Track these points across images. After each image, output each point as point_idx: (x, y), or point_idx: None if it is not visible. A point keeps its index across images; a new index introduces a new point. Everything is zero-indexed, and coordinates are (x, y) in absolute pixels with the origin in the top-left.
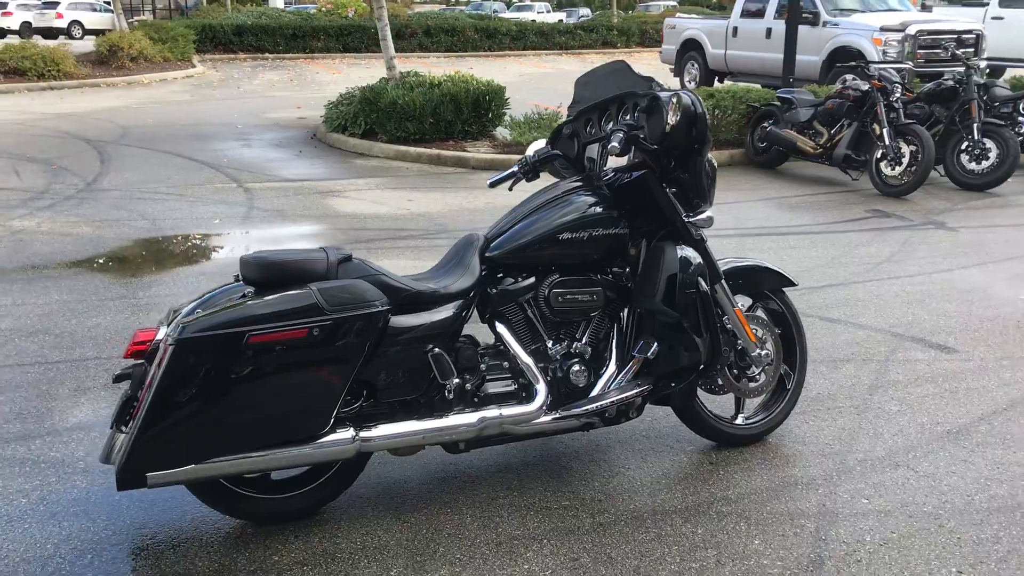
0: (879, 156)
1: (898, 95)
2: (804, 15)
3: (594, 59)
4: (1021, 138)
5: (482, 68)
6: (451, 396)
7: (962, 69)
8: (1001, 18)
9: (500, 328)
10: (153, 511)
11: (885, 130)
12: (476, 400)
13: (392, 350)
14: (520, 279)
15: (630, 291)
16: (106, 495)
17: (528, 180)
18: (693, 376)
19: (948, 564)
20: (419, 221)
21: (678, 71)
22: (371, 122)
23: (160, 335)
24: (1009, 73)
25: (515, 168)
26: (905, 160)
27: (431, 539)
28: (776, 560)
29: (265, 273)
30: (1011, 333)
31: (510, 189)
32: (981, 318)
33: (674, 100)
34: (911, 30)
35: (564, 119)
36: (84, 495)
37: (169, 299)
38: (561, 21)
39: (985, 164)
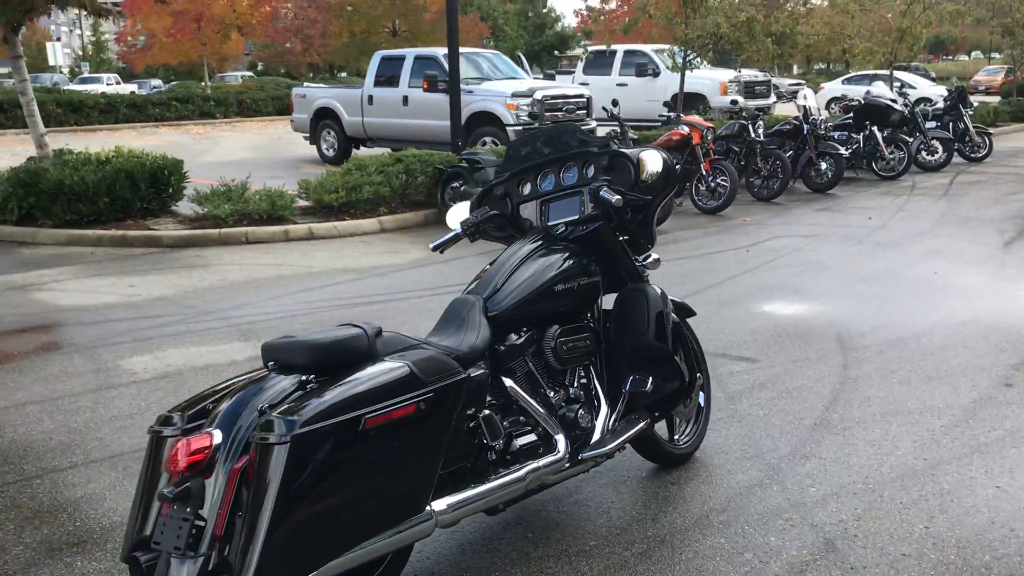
0: None
1: None
2: (439, 84)
3: (198, 131)
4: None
5: (78, 144)
6: (494, 457)
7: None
8: (587, 84)
9: (509, 383)
10: None
11: None
12: (508, 458)
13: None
14: (523, 334)
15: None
16: None
17: (472, 240)
18: (678, 402)
19: (916, 520)
20: (167, 307)
21: (314, 139)
22: (28, 206)
23: (216, 440)
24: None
25: (459, 230)
26: None
27: None
28: (797, 549)
29: (317, 356)
30: (787, 340)
31: (441, 251)
32: (753, 330)
33: (647, 154)
34: (538, 95)
35: (493, 181)
36: None
37: None
38: (133, 93)
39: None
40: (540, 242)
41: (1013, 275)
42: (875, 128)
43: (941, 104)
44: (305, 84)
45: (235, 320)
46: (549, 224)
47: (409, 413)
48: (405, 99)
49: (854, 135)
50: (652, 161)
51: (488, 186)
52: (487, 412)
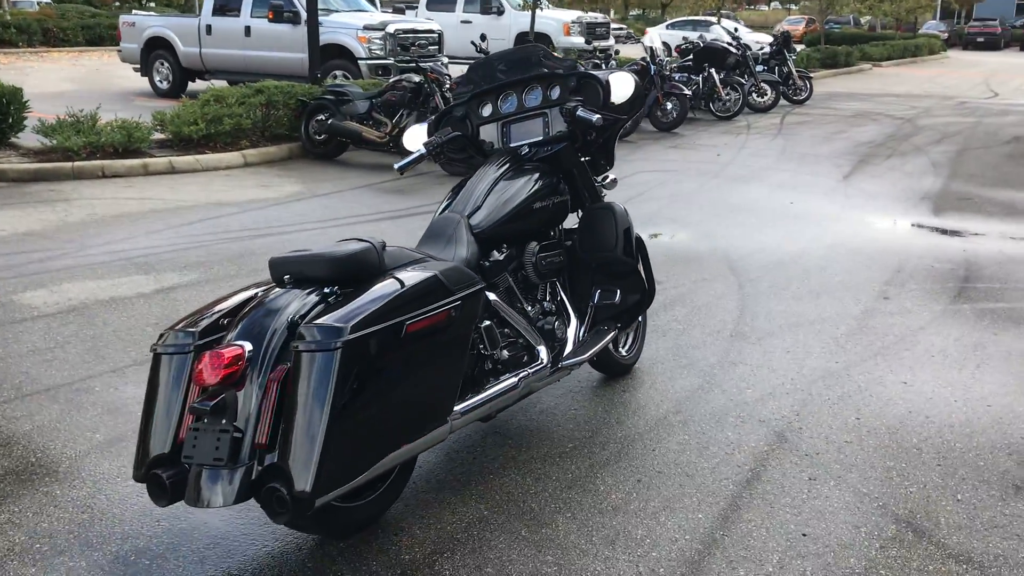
0: None
1: (448, 86)
2: (285, 14)
3: (1, 60)
4: None
5: None
6: (489, 367)
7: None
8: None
9: (493, 297)
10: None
11: None
12: (500, 367)
13: None
14: (503, 250)
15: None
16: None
17: (435, 161)
18: (640, 313)
19: (847, 412)
20: (41, 242)
21: (145, 71)
22: None
23: (247, 350)
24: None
25: (422, 151)
26: None
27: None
28: (755, 442)
29: (335, 269)
30: (682, 263)
31: (403, 173)
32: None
33: (618, 76)
34: (390, 29)
35: (453, 103)
36: None
37: None
38: None
39: None
40: (510, 163)
41: (859, 204)
42: (713, 70)
43: (767, 49)
44: (134, 12)
45: (124, 254)
46: (512, 145)
47: (442, 320)
48: (247, 29)
49: (693, 77)
50: (624, 83)
51: (446, 108)
52: (488, 322)
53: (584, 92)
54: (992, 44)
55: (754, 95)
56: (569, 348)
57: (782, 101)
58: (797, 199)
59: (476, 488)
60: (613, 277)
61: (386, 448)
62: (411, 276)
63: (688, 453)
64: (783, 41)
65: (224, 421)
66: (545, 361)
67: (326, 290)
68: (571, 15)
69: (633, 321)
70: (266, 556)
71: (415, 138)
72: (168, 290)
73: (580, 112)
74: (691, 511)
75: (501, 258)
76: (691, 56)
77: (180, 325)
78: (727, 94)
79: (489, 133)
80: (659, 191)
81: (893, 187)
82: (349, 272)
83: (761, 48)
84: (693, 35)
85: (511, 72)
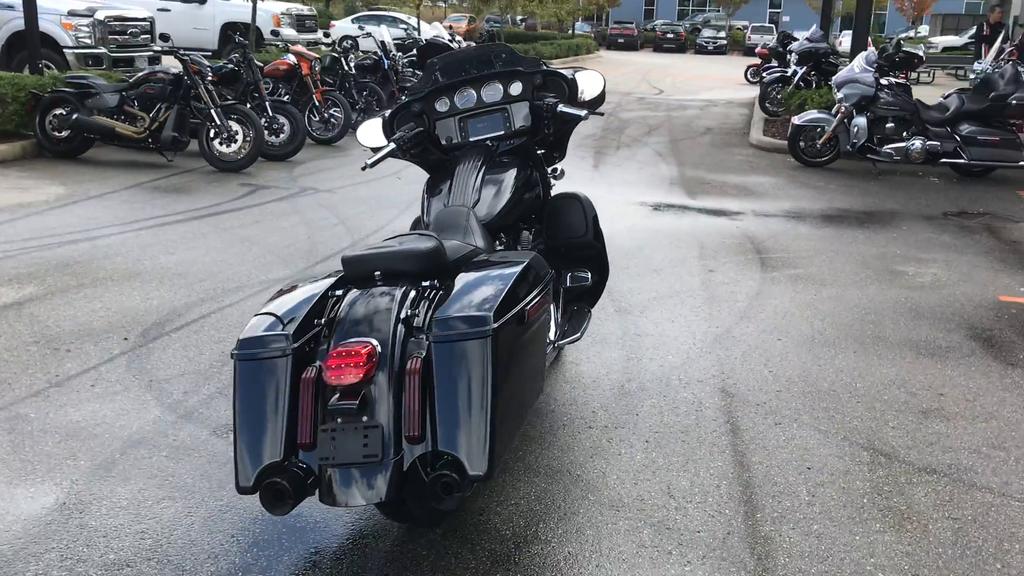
0: (212, 136)
1: (209, 77)
2: None
3: None
4: None
5: None
6: None
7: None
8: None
9: None
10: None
11: (215, 111)
12: None
13: None
14: (502, 239)
15: None
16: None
17: (402, 156)
18: (602, 291)
19: (758, 365)
20: None
21: None
22: None
23: (373, 345)
24: None
25: (392, 147)
26: (240, 137)
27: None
28: (756, 390)
29: (422, 264)
30: None
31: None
32: None
33: (587, 75)
34: (100, 15)
35: (409, 98)
36: None
37: None
38: None
39: (282, 137)
40: (487, 157)
41: (623, 190)
42: None
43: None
44: None
45: None
46: (472, 140)
47: (544, 302)
48: None
49: (419, 72)
50: (594, 81)
51: (402, 103)
52: None
53: (551, 89)
54: (631, 45)
55: None
56: (553, 329)
57: None
58: (568, 188)
59: (521, 465)
60: (583, 261)
61: (520, 422)
62: (513, 265)
63: (666, 414)
64: (490, 39)
65: (365, 419)
66: (552, 339)
67: (424, 284)
68: (280, 6)
69: (597, 300)
70: (390, 549)
71: (370, 133)
72: (15, 305)
73: (563, 108)
74: (709, 461)
75: (500, 248)
76: (414, 52)
77: (262, 330)
78: None
79: (447, 128)
80: None
81: (640, 174)
82: (433, 265)
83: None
84: (376, 29)
85: (473, 69)
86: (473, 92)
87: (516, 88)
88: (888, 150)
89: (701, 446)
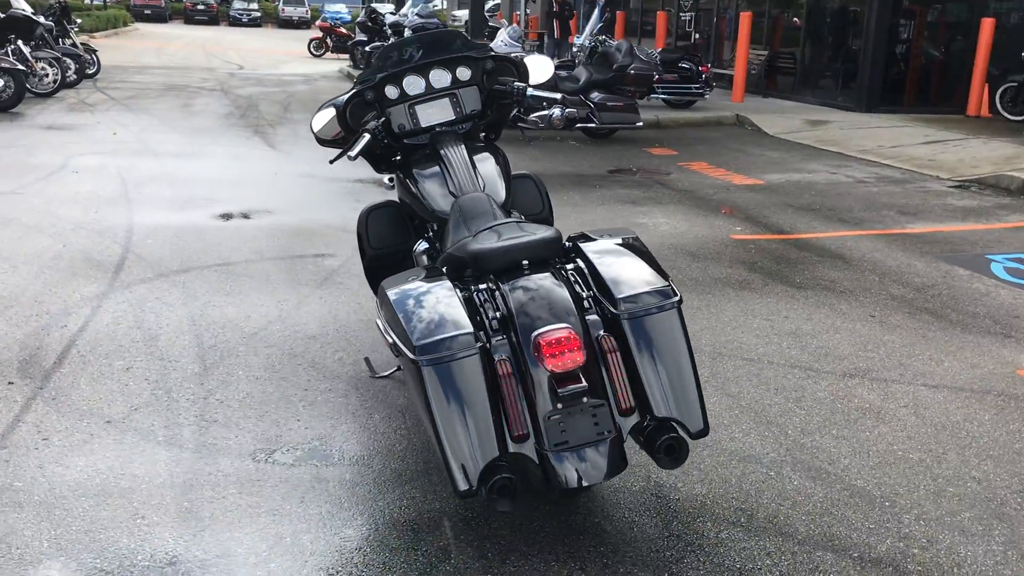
0: None
1: None
2: None
3: None
4: None
5: None
6: None
7: None
8: None
9: None
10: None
11: None
12: None
13: None
14: None
15: None
16: None
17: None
18: None
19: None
20: None
21: None
22: None
23: (572, 329)
24: None
25: (368, 137)
26: None
27: None
28: None
29: (557, 248)
30: (300, 236)
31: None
32: (259, 235)
33: (536, 59)
34: None
35: (362, 86)
36: None
37: None
38: None
39: None
40: (462, 142)
41: (324, 164)
42: (20, 41)
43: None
44: None
45: None
46: (423, 126)
47: None
48: None
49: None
50: (543, 65)
51: (355, 91)
52: None
53: (502, 73)
54: (160, 16)
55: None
56: None
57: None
58: (280, 169)
59: None
60: None
61: None
62: (617, 236)
63: None
64: (61, 10)
65: (585, 400)
66: None
67: (569, 267)
68: None
69: None
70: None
71: (325, 122)
72: None
73: (536, 92)
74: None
75: None
76: None
77: (437, 334)
78: (42, 69)
79: (399, 115)
80: (104, 182)
81: (316, 150)
82: (560, 249)
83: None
84: None
85: (425, 55)
86: (421, 79)
87: (464, 73)
88: (534, 118)
89: None
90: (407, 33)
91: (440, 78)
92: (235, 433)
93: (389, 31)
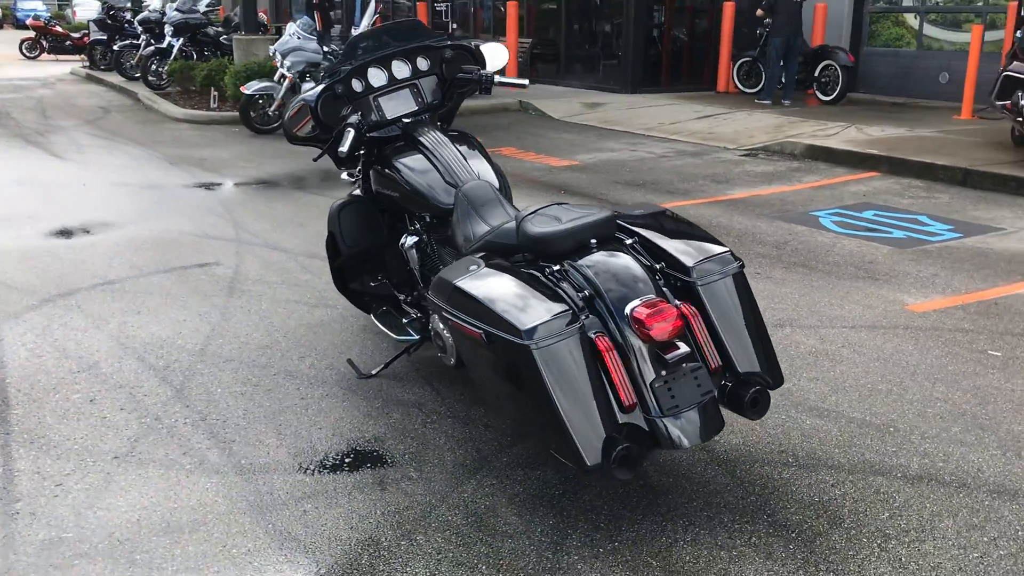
0: None
1: None
2: None
3: None
4: None
5: None
6: None
7: None
8: None
9: None
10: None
11: None
12: None
13: None
14: None
15: None
16: None
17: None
18: None
19: None
20: None
21: None
22: None
23: (659, 299)
24: None
25: (353, 132)
26: None
27: None
28: None
29: (616, 226)
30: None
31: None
32: (134, 249)
33: (493, 47)
34: None
35: (331, 81)
36: None
37: None
38: None
39: None
40: (438, 130)
41: (131, 174)
42: None
43: None
44: None
45: None
46: (389, 117)
47: None
48: None
49: None
50: (499, 52)
51: (326, 86)
52: None
53: (461, 61)
54: None
55: None
56: None
57: None
58: (84, 179)
59: None
60: None
61: None
62: (671, 215)
63: None
64: None
65: (684, 365)
66: None
67: (628, 241)
68: None
69: None
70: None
71: (302, 120)
72: None
73: (503, 79)
74: None
75: None
76: None
77: (538, 318)
78: None
79: (365, 107)
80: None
81: (122, 156)
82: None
83: None
84: None
85: (380, 46)
86: (383, 71)
87: (423, 63)
88: None
89: None
90: (168, 29)
91: (400, 69)
92: (264, 450)
93: (139, 28)
